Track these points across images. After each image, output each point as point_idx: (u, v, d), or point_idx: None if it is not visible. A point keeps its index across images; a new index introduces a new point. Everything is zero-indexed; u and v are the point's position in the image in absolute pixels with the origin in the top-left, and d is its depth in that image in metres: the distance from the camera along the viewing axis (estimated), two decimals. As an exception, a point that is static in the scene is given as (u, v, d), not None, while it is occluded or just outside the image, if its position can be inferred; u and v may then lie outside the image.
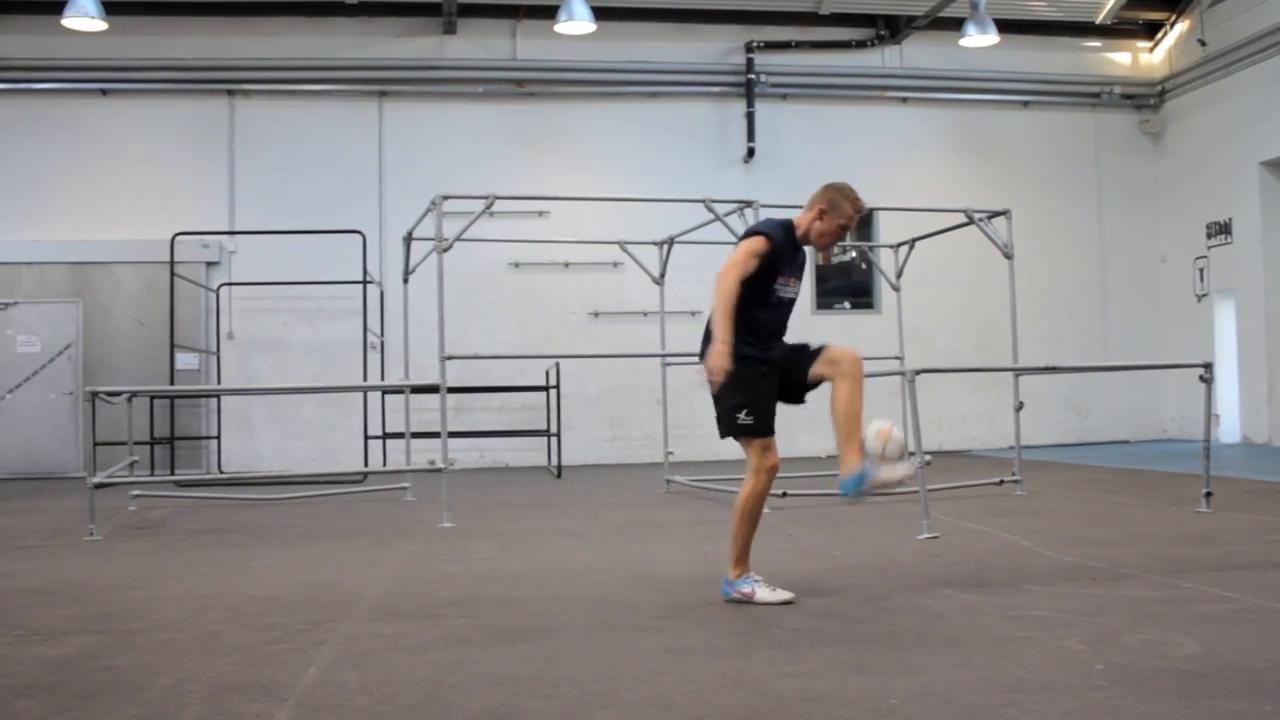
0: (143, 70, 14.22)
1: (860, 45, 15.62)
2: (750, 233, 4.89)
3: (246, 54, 14.37)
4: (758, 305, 4.75)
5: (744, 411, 4.72)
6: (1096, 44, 16.35)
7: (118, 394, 9.33)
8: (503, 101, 15.02)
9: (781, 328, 4.88)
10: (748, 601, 4.73)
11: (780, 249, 4.78)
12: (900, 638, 4.05)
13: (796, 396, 4.91)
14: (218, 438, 13.71)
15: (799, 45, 15.44)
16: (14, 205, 13.92)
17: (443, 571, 5.88)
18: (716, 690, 3.37)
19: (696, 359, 4.81)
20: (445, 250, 8.24)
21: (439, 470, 8.36)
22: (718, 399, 4.79)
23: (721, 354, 4.51)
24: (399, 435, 11.60)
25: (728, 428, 4.82)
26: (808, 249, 5.05)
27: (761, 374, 4.75)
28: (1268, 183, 14.47)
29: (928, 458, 7.14)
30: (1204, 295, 15.58)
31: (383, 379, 13.21)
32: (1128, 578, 5.12)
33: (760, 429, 4.76)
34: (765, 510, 8.14)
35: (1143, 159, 16.45)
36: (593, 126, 15.10)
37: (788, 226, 4.90)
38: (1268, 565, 5.44)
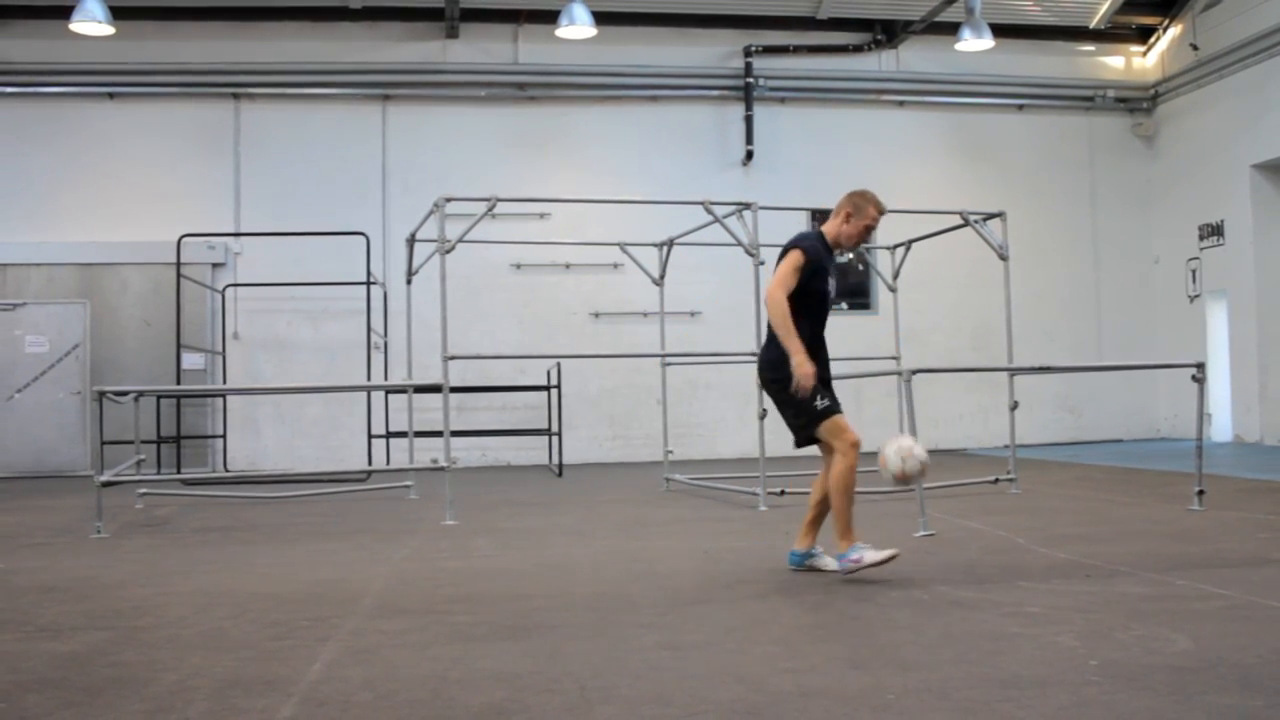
0: (149, 74, 14.31)
1: (857, 49, 15.72)
2: (789, 248, 5.33)
3: (252, 58, 14.46)
4: (802, 314, 5.24)
5: (817, 398, 5.19)
6: (1090, 48, 16.46)
7: (125, 394, 9.35)
8: (504, 105, 15.13)
9: (822, 326, 5.43)
10: (858, 568, 5.13)
11: (820, 257, 5.31)
12: (896, 634, 4.08)
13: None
14: (223, 437, 13.83)
15: (797, 49, 15.54)
16: (22, 207, 14.02)
17: (445, 569, 5.92)
18: (715, 685, 3.39)
19: (762, 370, 5.46)
20: (448, 251, 8.32)
21: (442, 469, 8.42)
22: (789, 407, 5.28)
23: (803, 364, 5.06)
24: (402, 434, 11.64)
25: (809, 424, 5.26)
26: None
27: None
28: (1259, 185, 14.57)
29: (923, 457, 7.22)
30: (1196, 296, 15.69)
31: (386, 379, 13.29)
32: (1121, 575, 5.17)
33: (836, 407, 5.25)
34: (763, 509, 8.34)
35: (1136, 162, 16.57)
36: (593, 130, 15.21)
37: (820, 236, 5.43)
38: (1259, 562, 5.50)
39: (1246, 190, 14.63)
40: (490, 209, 8.72)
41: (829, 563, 5.32)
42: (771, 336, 5.31)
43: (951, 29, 14.67)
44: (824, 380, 5.26)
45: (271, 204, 14.37)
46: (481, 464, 14.53)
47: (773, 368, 5.33)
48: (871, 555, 5.11)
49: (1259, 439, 14.47)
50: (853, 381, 10.85)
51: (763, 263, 8.35)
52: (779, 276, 5.24)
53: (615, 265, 14.17)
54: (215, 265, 14.29)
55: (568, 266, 14.86)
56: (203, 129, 14.51)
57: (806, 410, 5.21)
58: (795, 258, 5.25)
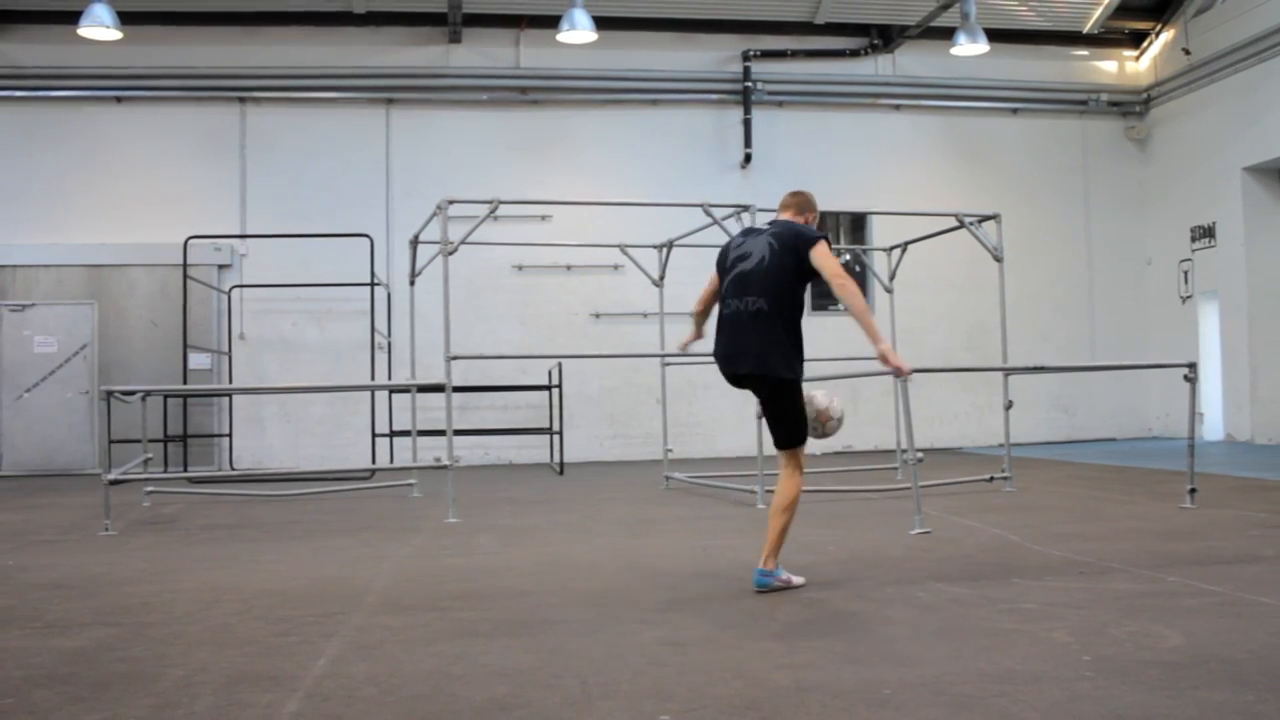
0: (156, 78, 14.42)
1: (854, 54, 15.84)
2: (816, 238, 4.97)
3: (257, 62, 14.57)
4: (800, 315, 5.09)
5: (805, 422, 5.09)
6: (1084, 53, 16.58)
7: (132, 393, 9.39)
8: (506, 109, 15.26)
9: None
10: (787, 587, 4.95)
11: None
12: (893, 630, 4.13)
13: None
14: (229, 435, 13.92)
15: (795, 54, 15.65)
16: (32, 209, 14.13)
17: (448, 566, 5.98)
18: (714, 681, 3.44)
19: (775, 368, 4.94)
20: (450, 253, 8.43)
21: (444, 467, 8.50)
22: (794, 413, 5.03)
23: (894, 353, 4.86)
24: (406, 433, 11.78)
25: (797, 437, 5.05)
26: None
27: None
28: (1250, 187, 14.70)
29: (920, 455, 7.39)
30: (1188, 297, 15.83)
31: (390, 378, 13.42)
32: (1114, 572, 5.23)
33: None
34: (761, 506, 8.51)
35: (1129, 164, 16.69)
36: (594, 133, 15.33)
37: None
38: (1250, 559, 5.56)
39: (1238, 193, 14.76)
40: (492, 211, 8.85)
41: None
42: (772, 333, 4.89)
43: (947, 34, 14.78)
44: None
45: (276, 206, 14.50)
46: (484, 462, 14.65)
47: (789, 367, 4.92)
48: (796, 580, 5.01)
49: (1250, 438, 14.60)
50: (850, 381, 11.00)
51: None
52: (839, 265, 4.90)
53: (616, 267, 14.32)
54: (221, 267, 14.40)
55: (569, 268, 15.00)
56: (209, 132, 14.62)
57: (799, 424, 5.01)
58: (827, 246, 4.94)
